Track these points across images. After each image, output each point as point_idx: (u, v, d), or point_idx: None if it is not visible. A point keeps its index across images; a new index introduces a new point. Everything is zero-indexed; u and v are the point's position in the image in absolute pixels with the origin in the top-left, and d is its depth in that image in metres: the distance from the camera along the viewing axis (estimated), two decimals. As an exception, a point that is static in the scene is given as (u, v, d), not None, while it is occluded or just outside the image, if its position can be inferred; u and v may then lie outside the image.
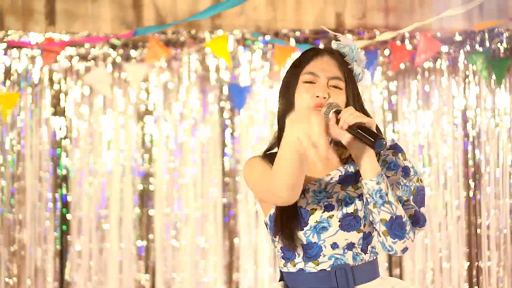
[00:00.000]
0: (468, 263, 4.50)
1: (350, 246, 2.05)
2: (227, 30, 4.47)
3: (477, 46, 4.50)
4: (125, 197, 4.50)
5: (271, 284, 4.39)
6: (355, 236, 2.04)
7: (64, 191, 4.50)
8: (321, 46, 4.45)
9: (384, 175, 1.98)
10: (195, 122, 4.54)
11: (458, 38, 4.51)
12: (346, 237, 2.04)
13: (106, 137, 4.53)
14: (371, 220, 2.02)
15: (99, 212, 4.50)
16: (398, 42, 4.47)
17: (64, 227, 4.49)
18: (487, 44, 4.49)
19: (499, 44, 4.50)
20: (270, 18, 4.55)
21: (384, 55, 4.52)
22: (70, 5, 4.53)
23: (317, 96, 2.05)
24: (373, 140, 1.89)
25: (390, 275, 4.46)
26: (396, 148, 2.12)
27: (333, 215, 2.04)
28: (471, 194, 4.51)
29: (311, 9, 4.57)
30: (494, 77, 4.47)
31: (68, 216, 4.48)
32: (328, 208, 2.05)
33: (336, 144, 2.10)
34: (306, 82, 2.09)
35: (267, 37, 4.48)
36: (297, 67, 2.12)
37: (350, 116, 1.94)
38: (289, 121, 1.78)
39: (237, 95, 4.48)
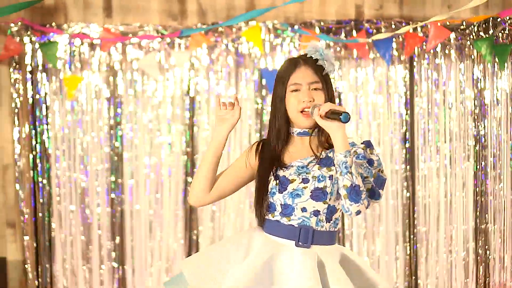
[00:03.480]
0: None
1: (316, 213, 2.69)
2: (259, 21, 5.08)
3: (481, 33, 5.03)
4: (175, 165, 5.23)
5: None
6: (321, 206, 2.68)
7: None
8: (342, 36, 5.06)
9: (351, 152, 2.58)
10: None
11: (464, 26, 5.06)
12: (314, 205, 2.68)
13: (156, 113, 5.24)
14: (337, 190, 2.64)
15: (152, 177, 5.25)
16: (411, 30, 5.04)
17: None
18: (491, 31, 5.02)
19: (501, 32, 5.03)
20: (298, 10, 5.15)
21: (399, 41, 5.10)
22: (124, -1, 5.22)
23: (303, 101, 2.69)
24: (340, 115, 2.54)
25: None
26: (366, 144, 2.73)
27: (307, 187, 2.68)
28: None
29: (334, 1, 5.16)
30: (497, 61, 5.02)
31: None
32: (305, 181, 2.69)
33: (319, 136, 2.75)
34: (292, 91, 2.73)
35: (295, 27, 5.09)
36: (283, 80, 2.75)
37: (326, 106, 2.59)
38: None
39: (269, 79, 5.12)
